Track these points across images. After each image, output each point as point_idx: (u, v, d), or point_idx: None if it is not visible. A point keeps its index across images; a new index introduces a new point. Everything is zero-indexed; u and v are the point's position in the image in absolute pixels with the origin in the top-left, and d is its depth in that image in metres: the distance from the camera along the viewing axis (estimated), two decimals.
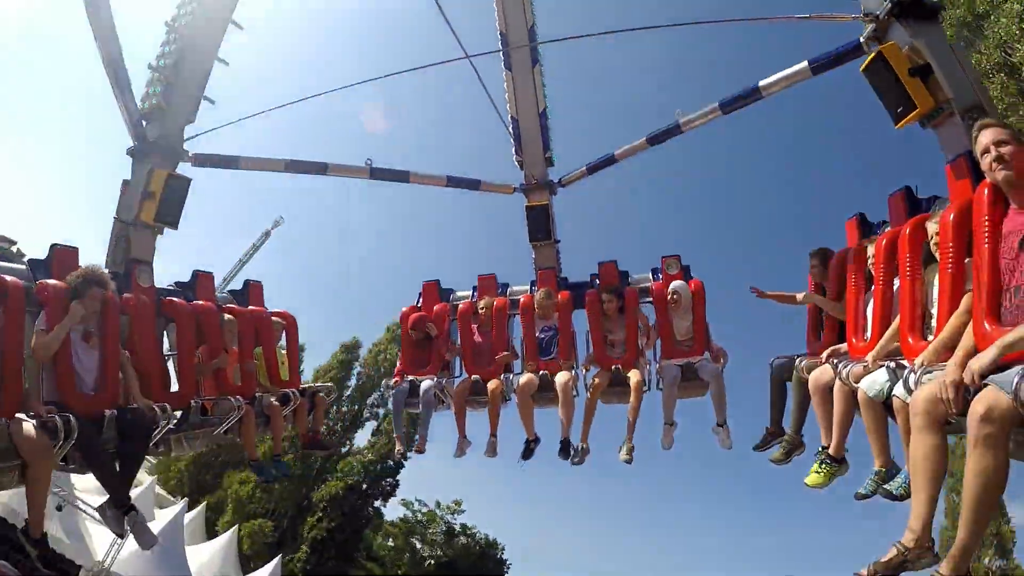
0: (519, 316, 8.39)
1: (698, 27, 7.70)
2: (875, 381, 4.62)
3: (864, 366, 4.88)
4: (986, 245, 3.84)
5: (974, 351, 3.60)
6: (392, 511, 41.81)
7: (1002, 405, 3.12)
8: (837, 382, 5.19)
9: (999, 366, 3.31)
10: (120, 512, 5.54)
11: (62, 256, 6.37)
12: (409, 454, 37.01)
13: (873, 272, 5.32)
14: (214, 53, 7.88)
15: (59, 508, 18.68)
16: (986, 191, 3.91)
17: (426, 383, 8.00)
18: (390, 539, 41.26)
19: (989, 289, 3.75)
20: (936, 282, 4.53)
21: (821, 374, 5.48)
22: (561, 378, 7.63)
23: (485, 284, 8.87)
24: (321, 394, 8.43)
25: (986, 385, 3.26)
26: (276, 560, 27.62)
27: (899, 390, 4.20)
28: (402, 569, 39.46)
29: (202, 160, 8.08)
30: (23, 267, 6.19)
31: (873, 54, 5.42)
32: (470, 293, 8.90)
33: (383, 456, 36.34)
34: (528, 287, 8.79)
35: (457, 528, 42.10)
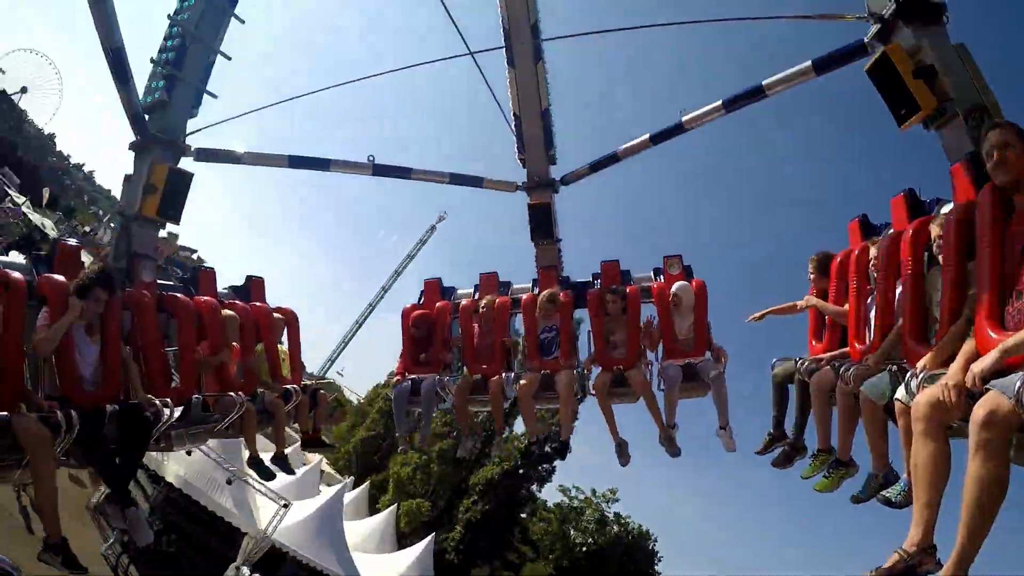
0: (521, 315, 8.34)
1: (703, 25, 7.68)
2: (877, 385, 4.61)
3: (866, 369, 4.86)
4: (988, 248, 3.82)
5: (976, 355, 3.58)
6: (549, 496, 43.16)
7: (1003, 409, 3.11)
8: (839, 385, 5.18)
9: (1001, 371, 3.30)
10: (119, 507, 5.54)
11: (64, 252, 6.39)
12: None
13: (875, 275, 5.29)
14: (217, 47, 7.88)
15: (229, 482, 21.29)
16: (989, 194, 3.89)
17: (426, 382, 8.02)
18: (544, 523, 41.60)
19: (991, 293, 3.73)
20: (939, 285, 4.50)
21: (823, 377, 5.46)
22: (562, 379, 7.61)
23: (487, 283, 8.83)
24: (323, 391, 8.43)
25: (988, 390, 3.25)
26: (429, 538, 29.23)
27: (901, 394, 4.17)
28: (554, 554, 39.71)
29: (204, 155, 8.08)
30: (25, 262, 6.19)
31: (878, 55, 5.40)
32: (471, 291, 8.87)
33: (540, 442, 36.52)
34: (530, 286, 8.75)
35: (610, 517, 42.06)
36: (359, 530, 28.41)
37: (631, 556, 40.68)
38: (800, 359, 6.01)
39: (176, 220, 7.56)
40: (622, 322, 7.71)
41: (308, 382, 8.44)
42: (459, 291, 9.02)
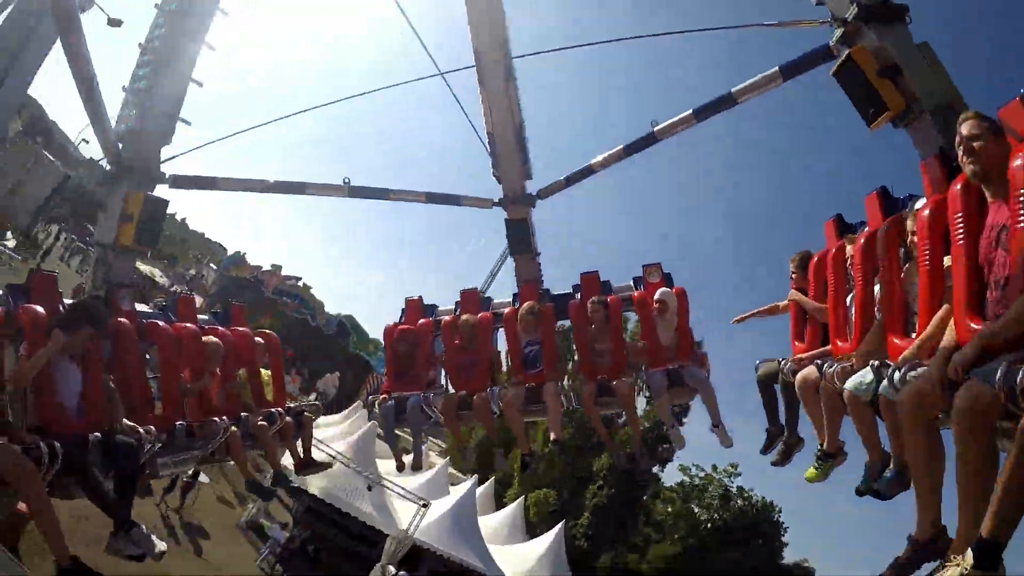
0: (503, 330, 8.34)
1: (673, 37, 7.79)
2: (861, 381, 4.62)
3: (849, 366, 4.90)
4: (961, 240, 3.87)
5: (957, 347, 3.62)
6: (670, 477, 43.30)
7: (985, 398, 3.14)
8: (823, 384, 5.21)
9: (982, 359, 3.34)
10: (125, 532, 5.45)
11: (40, 282, 6.34)
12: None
13: (852, 273, 5.35)
14: (188, 75, 7.86)
15: (369, 488, 23.92)
16: (959, 186, 3.96)
17: (412, 400, 7.98)
18: (667, 504, 41.63)
19: (967, 283, 3.78)
20: (916, 279, 4.55)
21: (807, 376, 5.50)
22: (548, 389, 7.63)
23: (468, 299, 8.83)
24: (307, 413, 8.39)
25: (969, 379, 3.29)
26: (560, 525, 30.20)
27: (884, 388, 4.21)
28: (679, 533, 39.67)
29: (179, 182, 8.04)
30: (0, 293, 6.13)
31: (843, 58, 5.49)
32: (453, 308, 8.86)
33: (658, 423, 36.59)
34: (511, 300, 8.76)
35: (733, 491, 41.75)
36: (489, 523, 29.48)
37: (756, 529, 40.53)
38: (783, 359, 6.07)
39: (152, 247, 7.54)
40: (605, 332, 7.75)
41: (292, 404, 8.40)
42: (440, 308, 9.00)
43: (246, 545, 23.49)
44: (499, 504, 34.74)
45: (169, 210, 7.86)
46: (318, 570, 24.41)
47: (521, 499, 34.11)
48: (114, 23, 9.70)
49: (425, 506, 23.82)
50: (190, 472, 21.04)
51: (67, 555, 4.86)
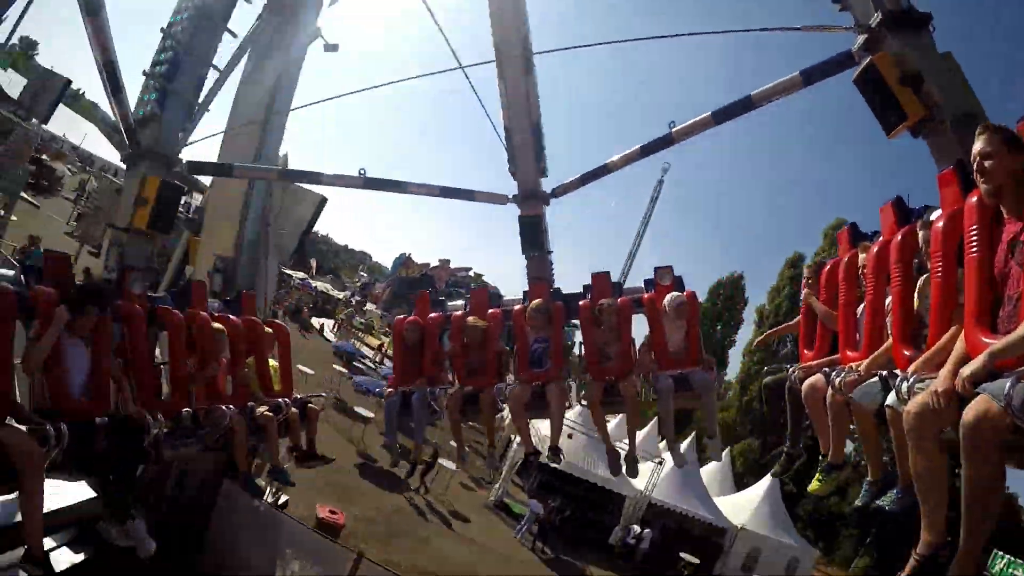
0: (512, 326, 8.27)
1: (694, 38, 7.74)
2: (868, 391, 4.58)
3: (857, 376, 4.84)
4: (974, 254, 3.80)
5: (966, 360, 3.56)
6: None
7: (992, 413, 3.09)
8: (829, 391, 5.15)
9: (991, 374, 3.28)
10: (120, 523, 5.47)
11: (54, 262, 6.37)
12: None
13: (864, 282, 5.29)
14: (209, 60, 7.90)
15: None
16: (975, 198, 3.89)
17: (416, 395, 7.96)
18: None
19: (979, 298, 3.70)
20: (928, 291, 4.48)
21: (814, 384, 5.45)
22: (553, 390, 7.55)
23: (477, 296, 8.78)
24: (312, 404, 8.39)
25: (977, 394, 3.24)
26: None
27: (891, 400, 4.15)
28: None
29: (196, 167, 8.07)
30: (12, 273, 6.17)
31: (865, 64, 5.43)
32: (463, 304, 8.83)
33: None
34: (522, 298, 8.70)
35: None
36: (703, 478, 30.71)
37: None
38: (791, 367, 6.01)
39: (167, 231, 7.55)
40: (615, 333, 7.69)
41: (299, 395, 8.40)
42: (450, 303, 8.98)
43: (500, 524, 24.95)
44: (703, 460, 35.79)
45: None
46: (567, 535, 25.63)
47: (727, 452, 34.97)
48: (331, 48, 10.05)
49: (659, 463, 25.61)
50: (430, 455, 22.59)
51: (41, 551, 4.93)
